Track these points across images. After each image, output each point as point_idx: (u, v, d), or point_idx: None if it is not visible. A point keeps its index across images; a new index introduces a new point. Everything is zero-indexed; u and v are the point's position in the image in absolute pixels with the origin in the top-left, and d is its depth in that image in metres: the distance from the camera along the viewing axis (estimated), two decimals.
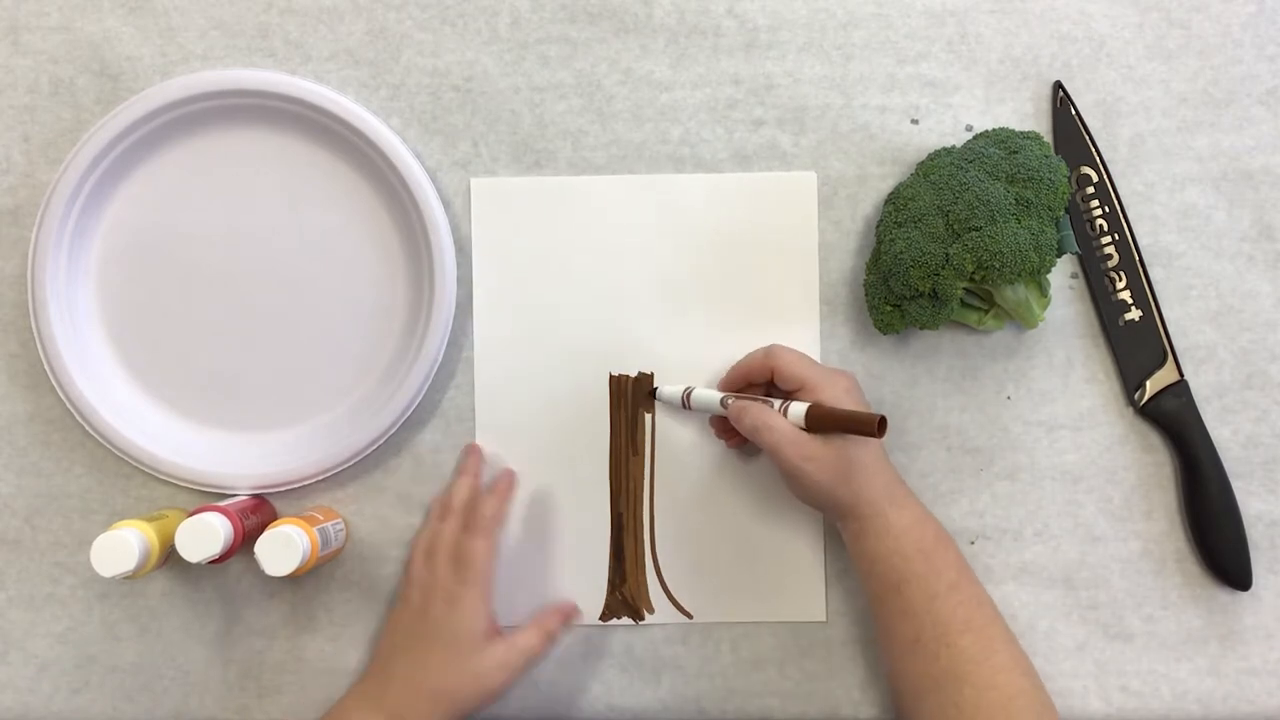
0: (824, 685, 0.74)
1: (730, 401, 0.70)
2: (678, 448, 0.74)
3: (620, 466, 0.74)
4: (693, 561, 0.74)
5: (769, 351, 0.70)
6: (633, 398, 0.74)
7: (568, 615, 0.72)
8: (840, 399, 0.66)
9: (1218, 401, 0.74)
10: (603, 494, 0.74)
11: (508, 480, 0.73)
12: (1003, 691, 0.63)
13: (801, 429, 0.66)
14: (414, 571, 0.70)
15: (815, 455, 0.65)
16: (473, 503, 0.71)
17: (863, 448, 0.66)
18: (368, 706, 0.66)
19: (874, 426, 0.62)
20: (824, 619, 0.74)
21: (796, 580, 0.74)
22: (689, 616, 0.74)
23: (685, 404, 0.72)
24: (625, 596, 0.74)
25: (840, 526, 0.69)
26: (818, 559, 0.74)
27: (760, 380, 0.71)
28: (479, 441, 0.74)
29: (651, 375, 0.74)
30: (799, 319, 0.74)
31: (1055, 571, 0.74)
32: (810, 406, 0.66)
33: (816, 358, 0.74)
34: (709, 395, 0.71)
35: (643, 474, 0.74)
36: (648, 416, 0.74)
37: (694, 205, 0.74)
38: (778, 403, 0.67)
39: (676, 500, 0.74)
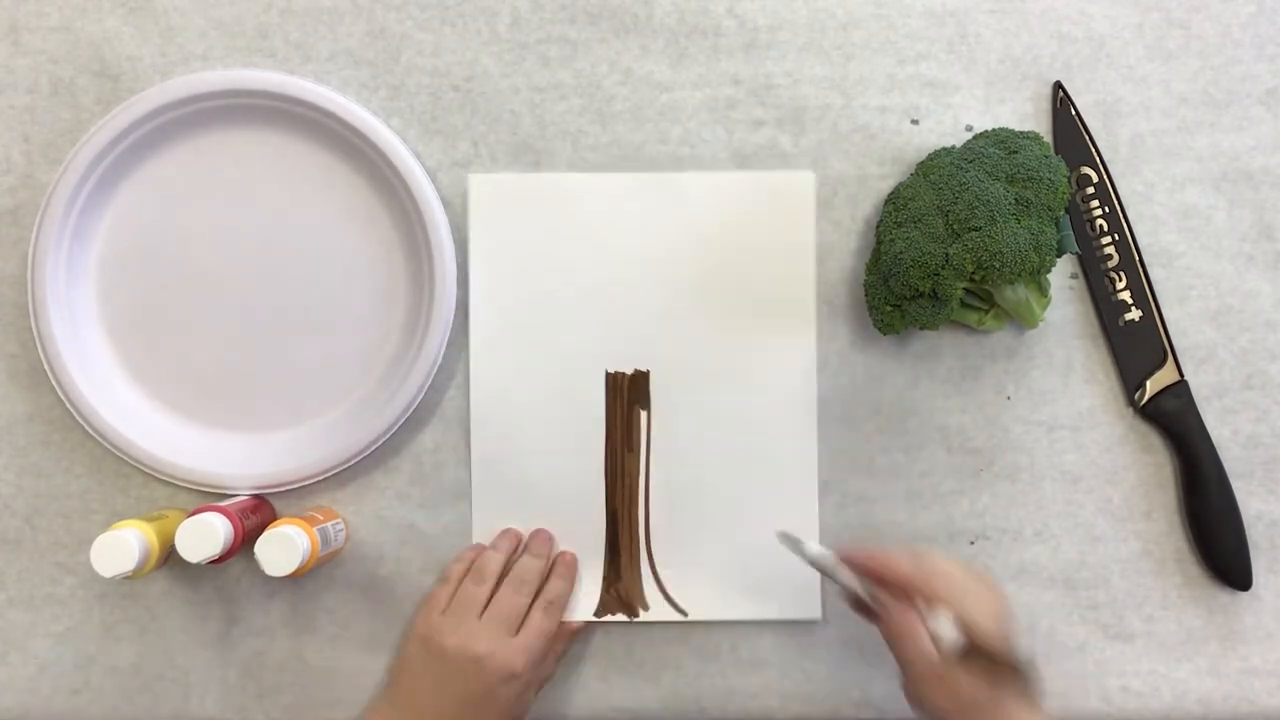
0: (824, 685, 0.74)
1: (874, 594, 0.65)
2: (673, 445, 0.74)
3: (616, 464, 0.74)
4: (688, 558, 0.74)
5: (922, 560, 0.64)
6: (629, 395, 0.74)
7: (575, 635, 0.73)
8: (995, 631, 0.62)
9: (1218, 401, 0.74)
10: (598, 491, 0.74)
11: (574, 563, 0.73)
12: None
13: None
14: (468, 636, 0.67)
15: (943, 680, 0.61)
16: (540, 582, 0.71)
17: (1007, 699, 0.61)
18: None
19: (1017, 672, 0.60)
20: (819, 616, 0.73)
21: (792, 578, 0.74)
22: (684, 614, 0.74)
23: (817, 566, 0.67)
24: (620, 593, 0.74)
25: None
26: None
27: (903, 586, 0.64)
28: (474, 438, 0.74)
29: (647, 373, 0.74)
30: (796, 318, 0.74)
31: (1055, 571, 0.74)
32: (969, 644, 0.61)
33: (813, 357, 0.74)
34: (849, 578, 0.66)
35: (638, 471, 0.74)
36: (643, 414, 0.74)
37: (691, 204, 0.74)
38: (934, 619, 0.63)
39: (671, 497, 0.74)
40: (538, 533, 0.74)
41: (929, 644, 0.62)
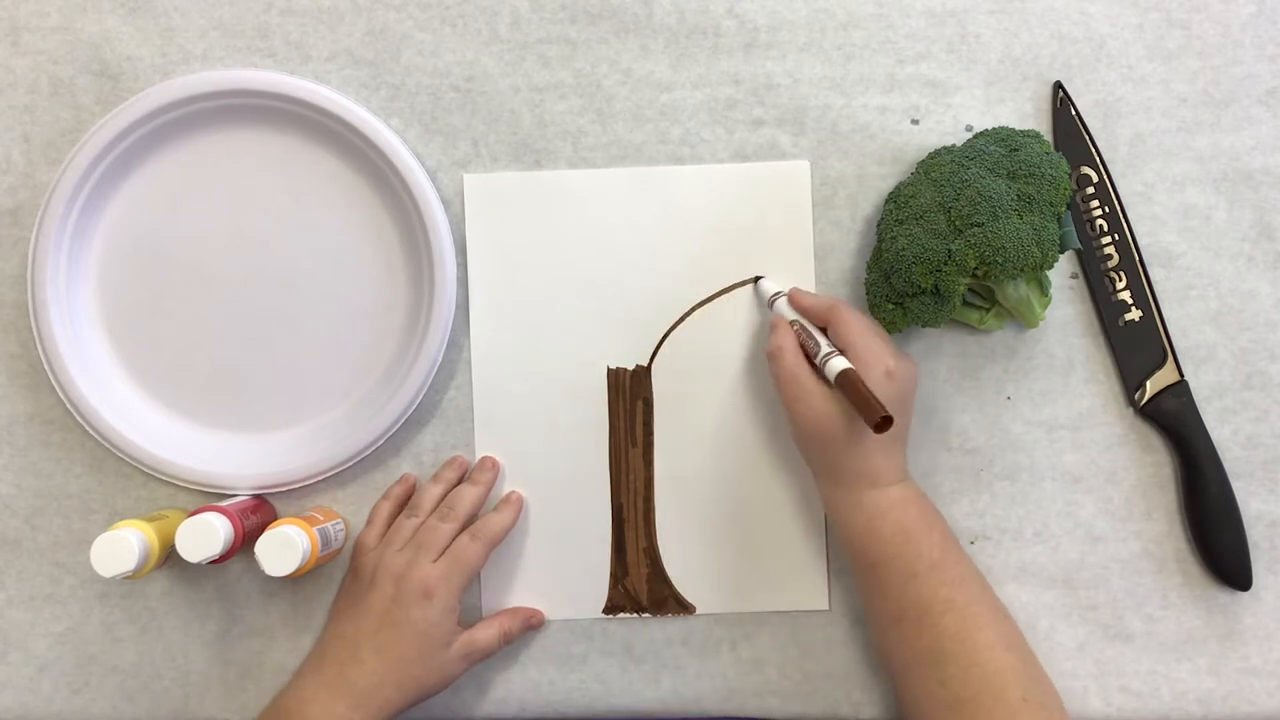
0: (824, 685, 0.74)
1: (790, 318, 0.70)
2: (677, 439, 0.74)
3: (620, 459, 0.74)
4: (694, 552, 0.74)
5: (834, 305, 0.68)
6: (630, 390, 0.74)
7: (528, 620, 0.73)
8: (879, 382, 0.65)
9: (1218, 401, 0.74)
10: (603, 487, 0.74)
11: (519, 501, 0.73)
12: (986, 669, 0.63)
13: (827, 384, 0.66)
14: (389, 559, 0.69)
15: (811, 406, 0.66)
16: (474, 511, 0.72)
17: (862, 426, 0.65)
18: (329, 693, 0.66)
19: (875, 417, 0.62)
20: (827, 607, 0.73)
21: (798, 569, 0.74)
22: (691, 610, 0.74)
23: (767, 302, 0.73)
24: (628, 589, 0.74)
25: (818, 486, 0.69)
26: (819, 547, 0.74)
27: (815, 323, 0.70)
28: (477, 436, 0.74)
29: (649, 368, 0.74)
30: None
31: (1055, 571, 0.74)
32: (845, 371, 0.65)
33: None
34: (781, 306, 0.71)
35: (642, 466, 0.74)
36: (645, 409, 0.74)
37: (687, 197, 0.74)
38: (826, 346, 0.67)
39: (677, 491, 0.74)
40: (481, 460, 0.74)
41: (801, 361, 0.67)
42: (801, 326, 0.69)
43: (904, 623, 0.65)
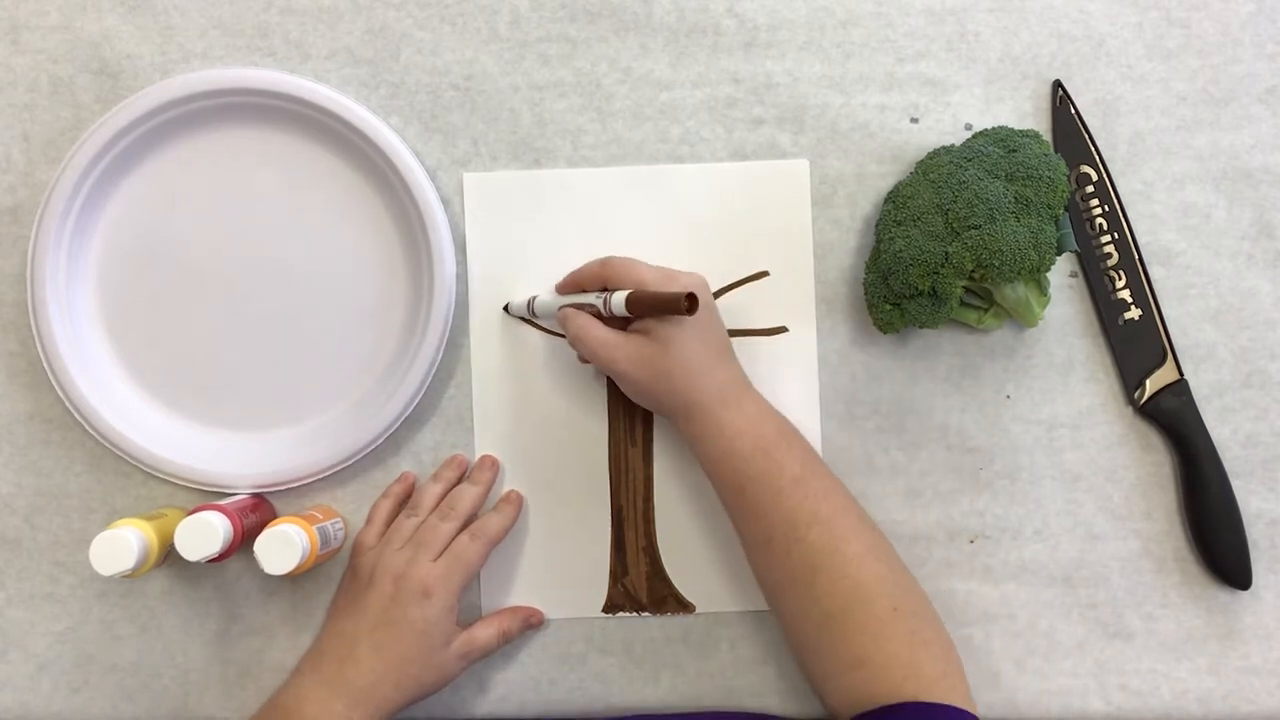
0: None
1: (558, 309, 0.69)
2: (676, 438, 0.74)
3: (619, 459, 0.74)
4: (695, 551, 0.74)
5: (605, 262, 0.68)
6: None
7: (527, 620, 0.73)
8: (667, 284, 0.65)
9: (1218, 401, 0.74)
10: (603, 487, 0.74)
11: (519, 501, 0.74)
12: (855, 579, 0.63)
13: (628, 319, 0.66)
14: (388, 558, 0.69)
15: (629, 356, 0.66)
16: (473, 510, 0.72)
17: (686, 348, 0.65)
18: (327, 691, 0.66)
19: (681, 302, 0.62)
20: None
21: None
22: (691, 609, 0.74)
23: (531, 313, 0.72)
24: (628, 588, 0.74)
25: (679, 431, 0.68)
26: None
27: (592, 287, 0.69)
28: (477, 435, 0.74)
29: None
30: (795, 307, 0.74)
31: (1055, 570, 0.74)
32: (630, 292, 0.65)
33: (813, 352, 0.74)
34: (549, 302, 0.71)
35: (642, 466, 0.74)
36: (645, 409, 0.74)
37: (687, 196, 0.74)
38: (602, 297, 0.67)
39: (676, 491, 0.74)
40: (481, 459, 0.74)
41: (598, 326, 0.66)
42: (581, 304, 0.69)
43: (773, 541, 0.65)
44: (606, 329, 0.67)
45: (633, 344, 0.66)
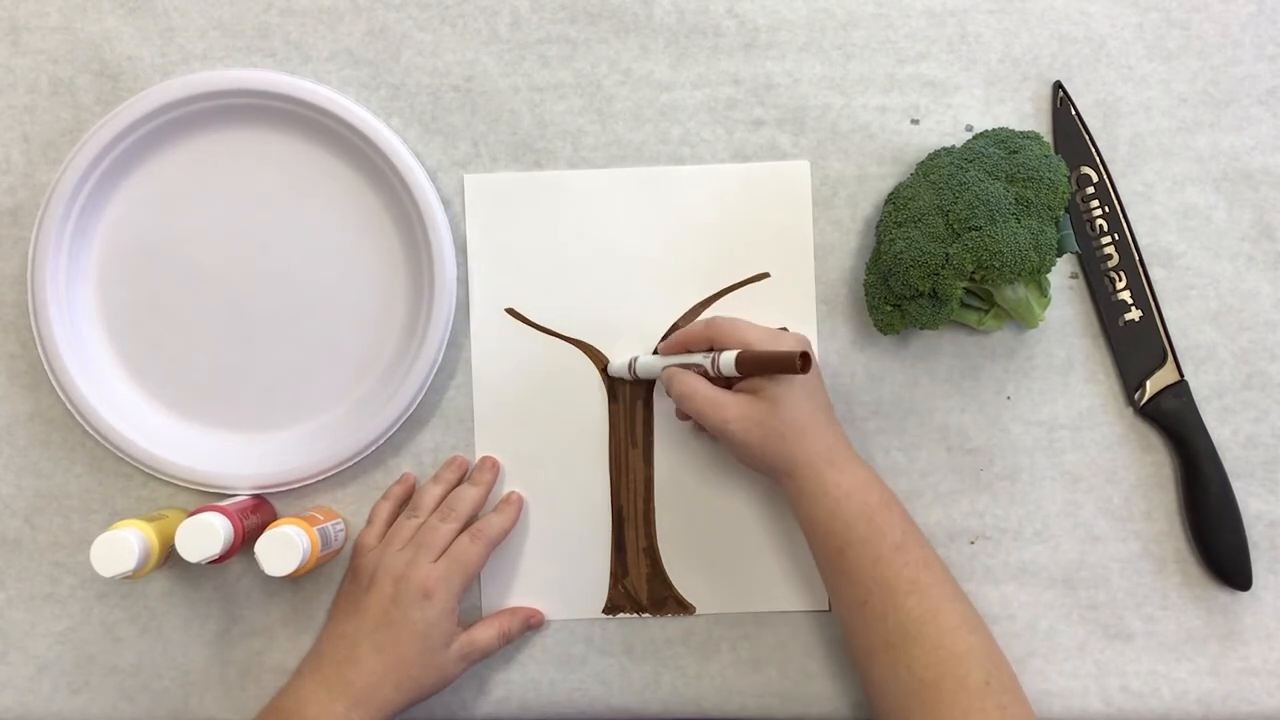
0: (824, 685, 0.74)
1: (662, 369, 0.69)
2: (677, 439, 0.74)
3: (620, 460, 0.74)
4: (695, 552, 0.74)
5: (710, 323, 0.69)
6: (630, 390, 0.74)
7: (527, 621, 0.73)
8: (777, 343, 0.66)
9: (1218, 401, 0.74)
10: (603, 488, 0.74)
11: (519, 502, 0.74)
12: (950, 650, 0.63)
13: (736, 378, 0.66)
14: (389, 559, 0.69)
15: (740, 416, 0.66)
16: (473, 511, 0.72)
17: (795, 408, 0.66)
18: (327, 692, 0.66)
19: (794, 361, 0.62)
20: (827, 607, 0.73)
21: (798, 569, 0.74)
22: (691, 610, 0.74)
23: (633, 373, 0.72)
24: (628, 589, 0.74)
25: (782, 489, 0.68)
26: None
27: (697, 347, 0.70)
28: (477, 436, 0.74)
29: None
30: (795, 309, 0.74)
31: (1055, 571, 0.74)
32: (740, 352, 0.65)
33: (814, 350, 0.74)
34: (652, 362, 0.71)
35: (642, 466, 0.74)
36: (645, 410, 0.74)
37: (687, 197, 0.74)
38: (710, 357, 0.67)
39: (677, 492, 0.74)
40: (481, 460, 0.74)
41: (706, 385, 0.67)
42: (687, 364, 0.69)
43: (869, 605, 0.64)
44: (715, 389, 0.67)
45: (742, 404, 0.66)
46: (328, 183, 0.74)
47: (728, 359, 0.66)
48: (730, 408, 0.66)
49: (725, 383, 0.68)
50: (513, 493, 0.74)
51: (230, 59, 0.75)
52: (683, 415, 0.73)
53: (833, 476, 0.66)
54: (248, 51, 0.75)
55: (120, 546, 0.64)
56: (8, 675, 0.74)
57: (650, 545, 0.74)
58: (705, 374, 0.68)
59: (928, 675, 0.62)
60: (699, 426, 0.73)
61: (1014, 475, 0.74)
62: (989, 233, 0.66)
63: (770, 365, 0.64)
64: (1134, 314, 0.74)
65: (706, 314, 0.74)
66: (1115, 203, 0.74)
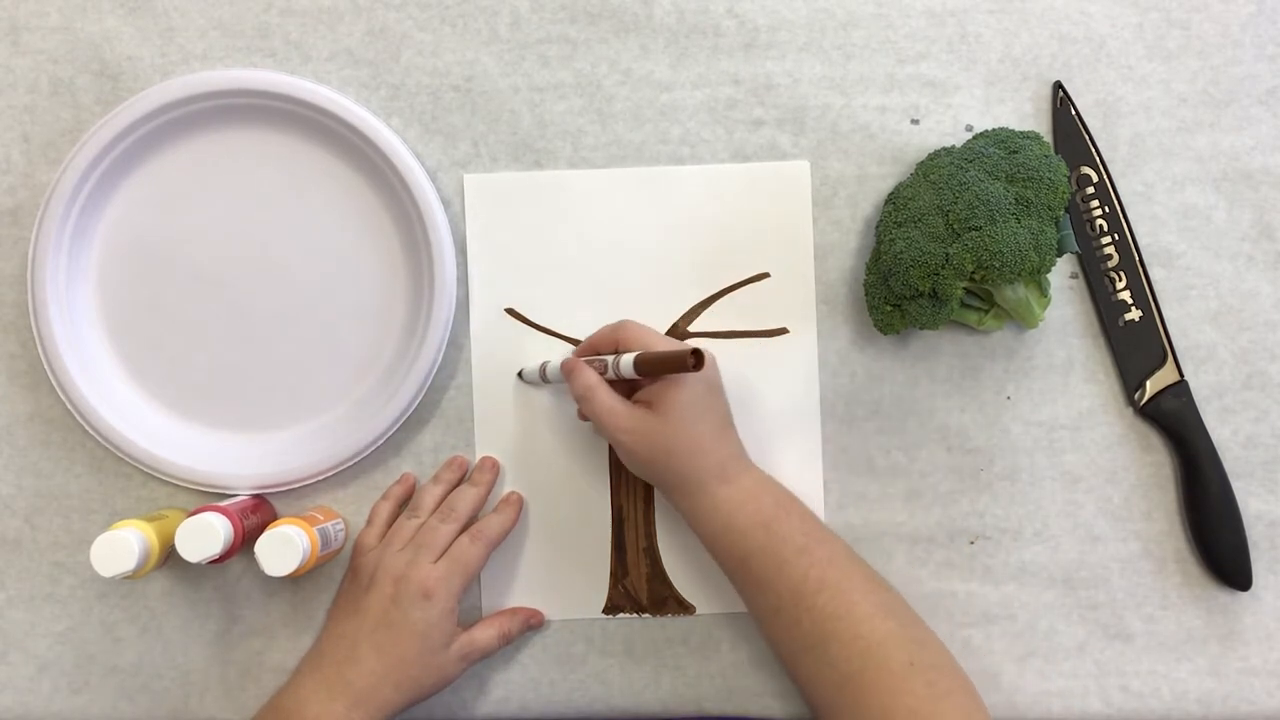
0: None
1: (563, 362, 0.69)
2: None
3: (620, 459, 0.74)
4: (694, 552, 0.74)
5: (619, 326, 0.69)
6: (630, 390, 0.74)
7: (528, 621, 0.73)
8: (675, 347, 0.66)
9: (1218, 401, 0.74)
10: (603, 487, 0.74)
11: (519, 502, 0.74)
12: (869, 640, 0.63)
13: (635, 383, 0.67)
14: (389, 560, 0.69)
15: (634, 429, 0.66)
16: (473, 511, 0.72)
17: (687, 425, 0.66)
18: (327, 692, 0.66)
19: (686, 359, 0.62)
20: None
21: None
22: (691, 610, 0.74)
23: (543, 378, 0.72)
24: (628, 589, 0.74)
25: (674, 506, 0.68)
26: None
27: (605, 350, 0.70)
28: (478, 436, 0.74)
29: None
30: (795, 308, 0.74)
31: (1055, 571, 0.74)
32: (639, 354, 0.65)
33: (813, 353, 0.74)
34: (563, 359, 0.71)
35: None
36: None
37: (687, 197, 0.74)
38: (611, 357, 0.67)
39: None
40: (481, 460, 0.74)
41: (608, 392, 0.67)
42: (590, 362, 0.69)
43: (781, 611, 0.65)
44: (614, 397, 0.67)
45: (636, 417, 0.66)
46: (328, 183, 0.74)
47: (627, 360, 0.66)
48: (624, 418, 0.66)
49: (627, 388, 0.68)
50: (513, 493, 0.74)
51: (230, 59, 0.75)
52: (583, 416, 0.72)
53: (723, 492, 0.66)
54: (248, 51, 0.75)
55: (120, 546, 0.64)
56: (8, 675, 0.74)
57: (650, 545, 0.74)
58: (606, 376, 0.68)
59: (850, 668, 0.62)
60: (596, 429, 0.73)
61: (1014, 475, 0.74)
62: (989, 233, 0.66)
63: (665, 364, 0.64)
64: (1134, 314, 0.74)
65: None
66: (1115, 203, 0.74)
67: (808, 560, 0.65)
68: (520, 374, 0.74)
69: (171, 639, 0.74)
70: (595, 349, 0.70)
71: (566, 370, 0.69)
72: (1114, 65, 0.75)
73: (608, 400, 0.67)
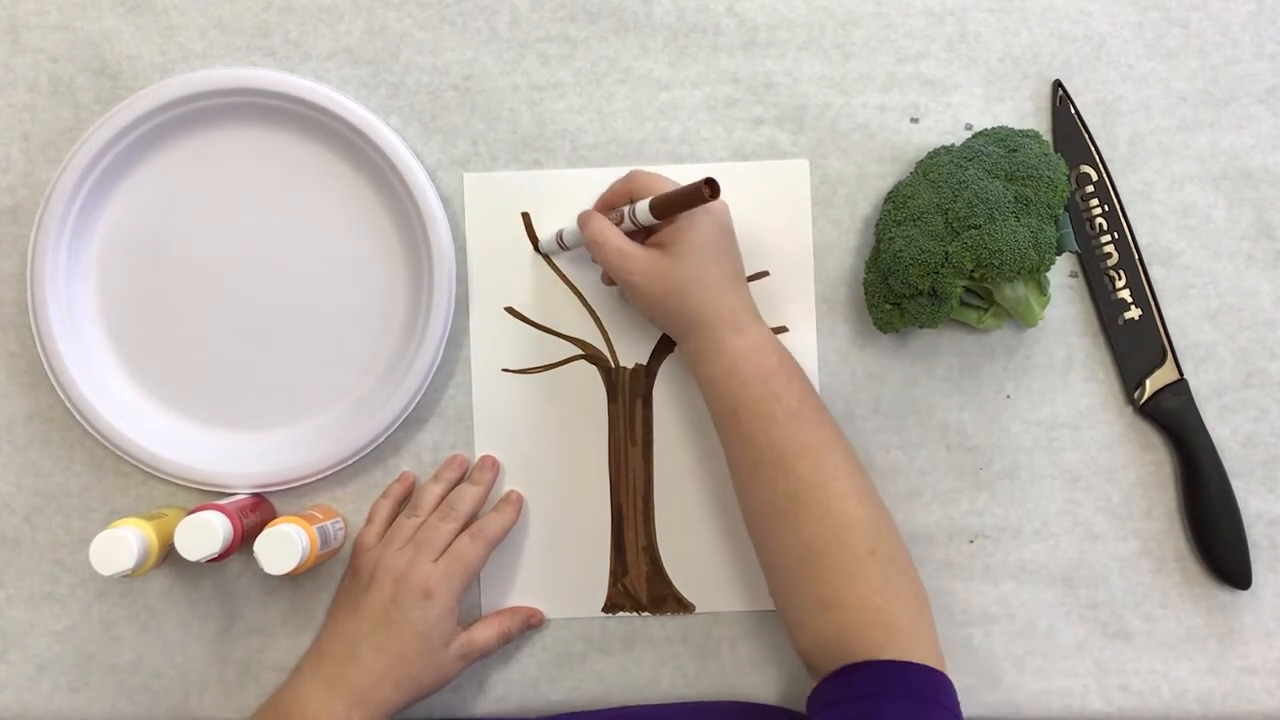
0: None
1: (578, 215, 0.70)
2: (676, 438, 0.74)
3: (620, 458, 0.74)
4: (694, 552, 0.74)
5: (629, 176, 0.69)
6: (630, 389, 0.74)
7: (527, 620, 0.73)
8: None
9: (1217, 400, 0.74)
10: (603, 487, 0.74)
11: (519, 501, 0.74)
12: (839, 519, 0.63)
13: (652, 225, 0.67)
14: (389, 559, 0.69)
15: (647, 270, 0.66)
16: (474, 510, 0.72)
17: (702, 266, 0.66)
18: (327, 691, 0.66)
19: (701, 190, 0.62)
20: None
21: None
22: (691, 609, 0.74)
23: (560, 244, 0.72)
24: (628, 588, 0.74)
25: (681, 349, 0.68)
26: None
27: (620, 202, 0.70)
28: (477, 435, 0.74)
29: (649, 367, 0.74)
30: (795, 307, 0.74)
31: (1055, 570, 0.74)
32: (654, 197, 0.66)
33: (813, 352, 0.74)
34: (579, 230, 0.71)
35: (642, 465, 0.74)
36: (645, 408, 0.74)
37: None
38: (626, 207, 0.68)
39: (676, 490, 0.74)
40: (481, 459, 0.74)
41: (617, 235, 0.67)
42: (607, 214, 0.70)
43: (760, 468, 0.65)
44: (626, 240, 0.67)
45: (650, 258, 0.67)
46: (327, 181, 0.74)
47: (642, 206, 0.66)
48: (637, 260, 0.67)
49: (644, 236, 0.68)
50: (513, 492, 0.74)
51: (230, 58, 0.75)
52: (608, 280, 0.73)
53: (732, 337, 0.66)
54: (247, 50, 0.75)
55: (119, 545, 0.64)
56: (8, 674, 0.74)
57: (650, 544, 0.74)
58: (623, 227, 0.68)
59: (815, 543, 0.63)
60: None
61: (1013, 474, 0.74)
62: (988, 231, 0.66)
63: (681, 201, 0.64)
64: (1133, 313, 0.74)
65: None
66: (1115, 201, 0.74)
67: (796, 424, 0.65)
68: (537, 247, 0.74)
69: (171, 637, 0.74)
70: (610, 205, 0.70)
71: (581, 222, 0.69)
72: (1114, 64, 0.75)
73: (620, 243, 0.67)
